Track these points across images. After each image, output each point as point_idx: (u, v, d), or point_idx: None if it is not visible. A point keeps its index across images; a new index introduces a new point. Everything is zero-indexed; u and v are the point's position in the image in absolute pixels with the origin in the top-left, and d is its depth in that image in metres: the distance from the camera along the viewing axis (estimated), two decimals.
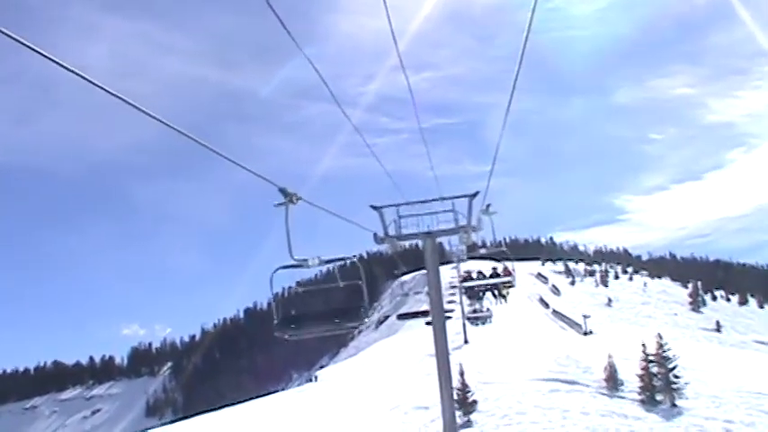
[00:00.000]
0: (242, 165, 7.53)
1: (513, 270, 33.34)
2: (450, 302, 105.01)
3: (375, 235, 16.28)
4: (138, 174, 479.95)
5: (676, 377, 42.26)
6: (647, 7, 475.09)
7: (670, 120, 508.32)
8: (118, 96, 5.41)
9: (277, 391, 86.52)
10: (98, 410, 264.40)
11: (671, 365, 42.46)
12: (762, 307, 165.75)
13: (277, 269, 10.64)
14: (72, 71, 4.91)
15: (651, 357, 43.22)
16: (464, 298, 59.86)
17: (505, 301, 40.14)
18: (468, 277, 38.49)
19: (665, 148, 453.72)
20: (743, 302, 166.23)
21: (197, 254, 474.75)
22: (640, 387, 43.12)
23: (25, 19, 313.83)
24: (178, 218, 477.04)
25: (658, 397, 42.14)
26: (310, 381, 65.41)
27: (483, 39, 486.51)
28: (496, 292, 37.96)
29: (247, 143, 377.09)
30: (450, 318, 63.00)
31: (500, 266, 35.20)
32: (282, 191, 9.07)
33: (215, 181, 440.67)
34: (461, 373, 39.10)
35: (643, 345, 43.61)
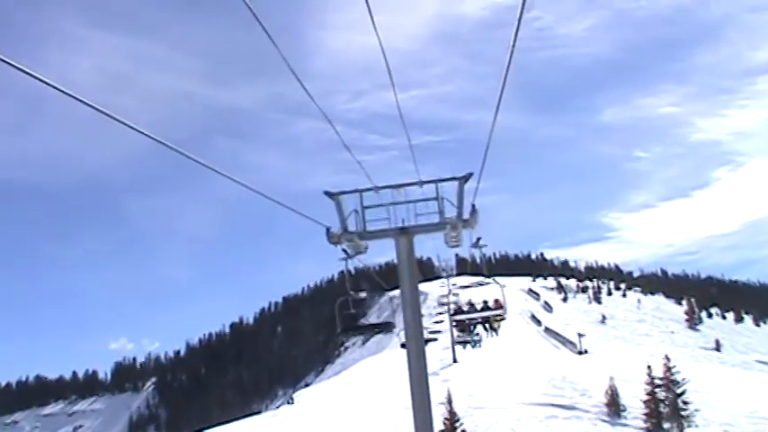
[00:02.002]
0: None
1: (505, 302, 31.33)
2: (437, 323, 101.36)
3: (328, 231, 12.40)
4: (127, 188, 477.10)
5: (685, 403, 38.75)
6: (633, 27, 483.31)
7: (657, 138, 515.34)
8: (106, 113, 5.56)
9: (260, 411, 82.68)
10: (80, 426, 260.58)
11: (679, 390, 38.94)
12: (758, 325, 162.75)
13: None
14: (60, 90, 4.96)
15: (658, 381, 39.71)
16: (454, 329, 57.82)
17: (497, 334, 38.90)
18: (458, 310, 37.94)
19: (653, 165, 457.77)
20: (738, 320, 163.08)
21: (185, 268, 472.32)
22: (645, 413, 39.81)
23: (13, 34, 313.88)
24: (167, 231, 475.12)
25: (665, 425, 38.86)
26: (288, 403, 61.78)
27: (471, 57, 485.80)
28: (487, 325, 36.28)
29: (238, 158, 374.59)
30: (436, 340, 59.09)
31: (491, 299, 33.10)
32: None
33: (203, 195, 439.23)
34: (449, 400, 35.28)
35: (648, 367, 40.09)
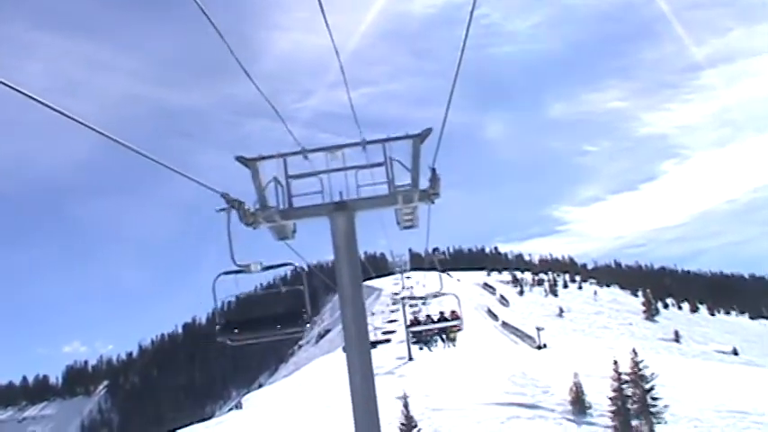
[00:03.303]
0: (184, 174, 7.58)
1: (461, 314, 32.48)
2: (391, 321, 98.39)
3: (233, 206, 9.19)
4: (76, 191, 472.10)
5: (654, 399, 36.76)
6: (579, 24, 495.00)
7: (604, 132, 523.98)
8: (62, 113, 5.41)
9: (209, 417, 79.76)
10: None
11: (647, 385, 36.93)
12: (713, 314, 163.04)
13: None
14: (15, 89, 4.84)
15: (625, 376, 37.66)
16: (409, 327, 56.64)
17: (454, 344, 38.40)
18: (415, 321, 38.89)
19: (601, 159, 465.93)
20: (694, 310, 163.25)
21: (138, 269, 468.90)
22: (612, 411, 37.57)
23: None
24: (119, 233, 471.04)
25: (633, 422, 36.67)
26: (236, 408, 59.04)
27: (419, 55, 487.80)
28: (444, 336, 35.68)
29: (188, 160, 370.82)
30: (389, 341, 56.61)
31: (447, 310, 33.94)
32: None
33: (153, 196, 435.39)
34: (405, 404, 32.90)
35: (615, 362, 37.99)
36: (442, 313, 33.69)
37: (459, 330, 33.27)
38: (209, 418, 70.51)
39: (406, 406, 32.80)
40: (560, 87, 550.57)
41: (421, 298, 35.41)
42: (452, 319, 32.47)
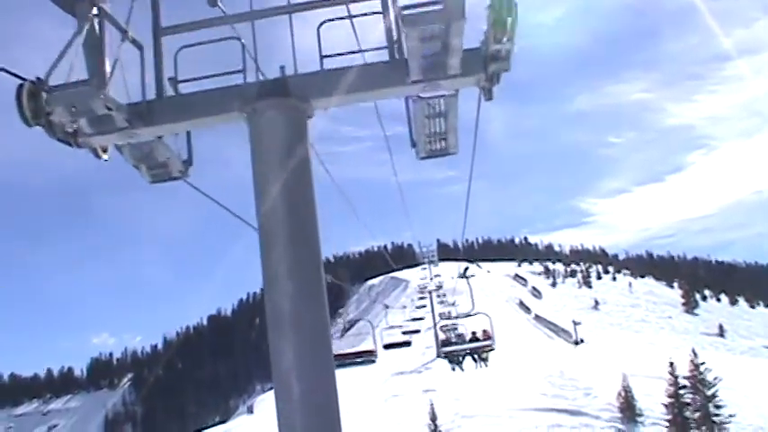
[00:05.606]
0: None
1: (493, 333, 32.81)
2: (415, 320, 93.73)
3: (22, 92, 4.73)
4: (104, 185, 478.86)
5: (718, 407, 32.22)
6: (603, 16, 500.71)
7: (629, 124, 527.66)
8: None
9: (219, 422, 76.49)
10: (55, 426, 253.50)
11: (710, 392, 32.44)
12: (753, 307, 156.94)
13: None
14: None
15: (682, 380, 33.24)
16: (436, 306, 53.18)
17: (486, 365, 36.63)
18: (446, 341, 38.05)
19: (626, 151, 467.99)
20: (733, 302, 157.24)
21: (166, 262, 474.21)
22: (668, 420, 33.04)
23: None
24: (147, 226, 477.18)
25: None
26: (247, 412, 55.27)
27: None
28: (476, 356, 35.93)
29: (217, 156, 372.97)
30: (409, 344, 54.48)
31: (479, 329, 34.40)
32: None
33: (179, 191, 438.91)
34: (433, 417, 28.66)
35: (671, 364, 33.49)
36: (474, 333, 34.13)
37: (491, 350, 32.60)
38: (224, 421, 67.05)
39: (433, 419, 28.49)
40: (585, 79, 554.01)
41: (454, 317, 35.50)
42: (484, 339, 32.76)
